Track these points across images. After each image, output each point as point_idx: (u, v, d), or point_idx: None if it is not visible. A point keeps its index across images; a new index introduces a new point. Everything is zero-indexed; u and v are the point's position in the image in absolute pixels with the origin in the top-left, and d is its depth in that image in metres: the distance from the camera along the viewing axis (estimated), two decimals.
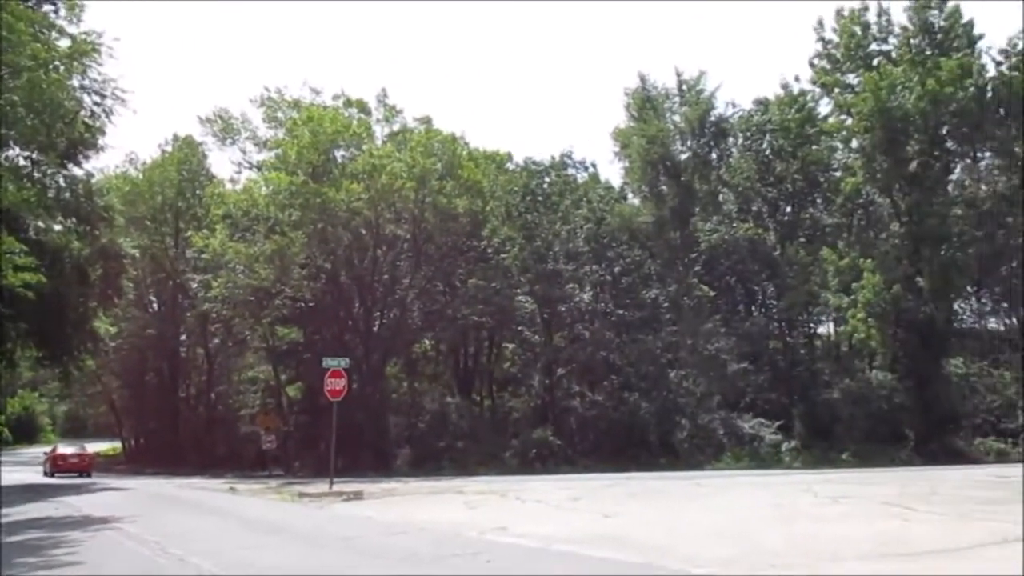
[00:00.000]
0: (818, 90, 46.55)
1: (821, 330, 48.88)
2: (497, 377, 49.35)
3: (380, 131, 45.75)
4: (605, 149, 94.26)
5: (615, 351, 43.24)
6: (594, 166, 50.38)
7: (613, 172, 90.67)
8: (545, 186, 46.53)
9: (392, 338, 43.41)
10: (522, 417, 43.67)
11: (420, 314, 45.08)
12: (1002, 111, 41.86)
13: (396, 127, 46.13)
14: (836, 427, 39.77)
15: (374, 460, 39.09)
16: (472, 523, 15.74)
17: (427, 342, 49.52)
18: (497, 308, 43.06)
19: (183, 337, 57.12)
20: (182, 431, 54.02)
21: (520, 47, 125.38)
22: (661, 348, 43.20)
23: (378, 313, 43.90)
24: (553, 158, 48.16)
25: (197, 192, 52.12)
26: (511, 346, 48.26)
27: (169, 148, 54.15)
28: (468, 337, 47.85)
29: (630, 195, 49.35)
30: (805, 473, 31.22)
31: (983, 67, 41.94)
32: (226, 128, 47.80)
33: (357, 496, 23.12)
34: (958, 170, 45.30)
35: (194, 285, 47.76)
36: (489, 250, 44.53)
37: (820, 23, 45.23)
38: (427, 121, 46.15)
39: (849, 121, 44.40)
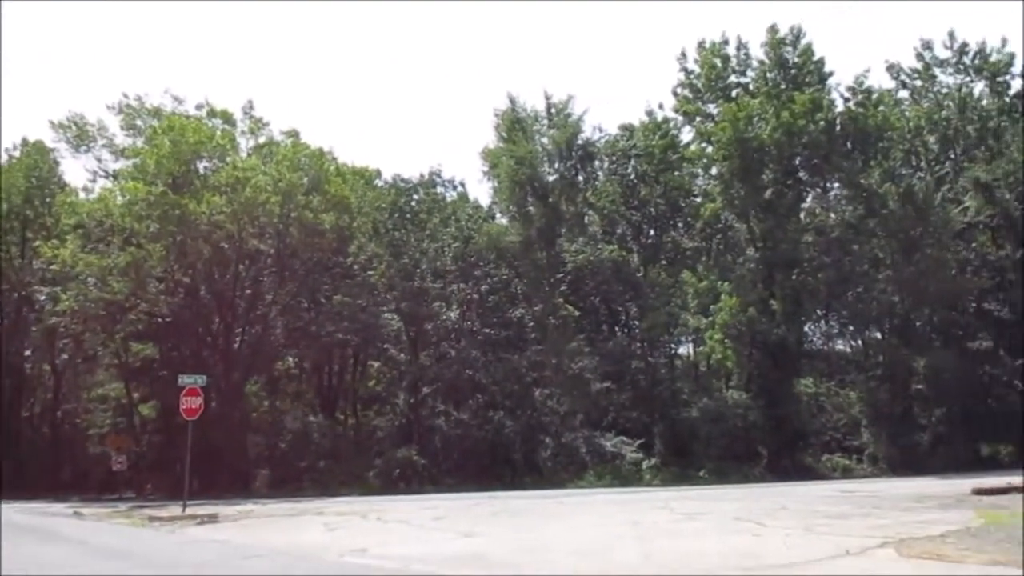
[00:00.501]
0: (681, 118, 48.17)
1: (681, 350, 50.38)
2: (361, 395, 48.71)
3: (245, 143, 44.67)
4: (474, 168, 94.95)
5: (481, 370, 43.32)
6: (463, 185, 50.61)
7: (482, 191, 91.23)
8: (413, 203, 46.43)
9: (253, 355, 42.28)
10: (386, 436, 43.20)
11: (283, 331, 44.10)
12: (849, 144, 44.30)
13: (262, 140, 45.09)
14: (694, 445, 40.89)
15: (232, 481, 37.89)
16: (331, 545, 15.39)
17: (290, 360, 48.48)
18: (363, 325, 42.57)
19: (28, 352, 53.93)
20: (25, 452, 50.93)
21: (391, 64, 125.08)
22: (526, 367, 43.57)
23: (239, 330, 42.66)
24: (422, 176, 48.19)
25: (47, 200, 49.47)
26: (376, 364, 47.76)
27: (17, 153, 51.32)
28: (332, 355, 47.09)
29: (498, 215, 49.70)
30: (664, 490, 31.98)
31: (832, 102, 44.34)
32: (81, 135, 45.55)
33: (212, 519, 22.32)
34: (809, 199, 47.63)
35: (41, 298, 45.36)
36: (355, 267, 44.05)
37: (683, 54, 46.90)
38: (294, 135, 45.34)
39: (709, 149, 46.12)
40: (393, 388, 46.10)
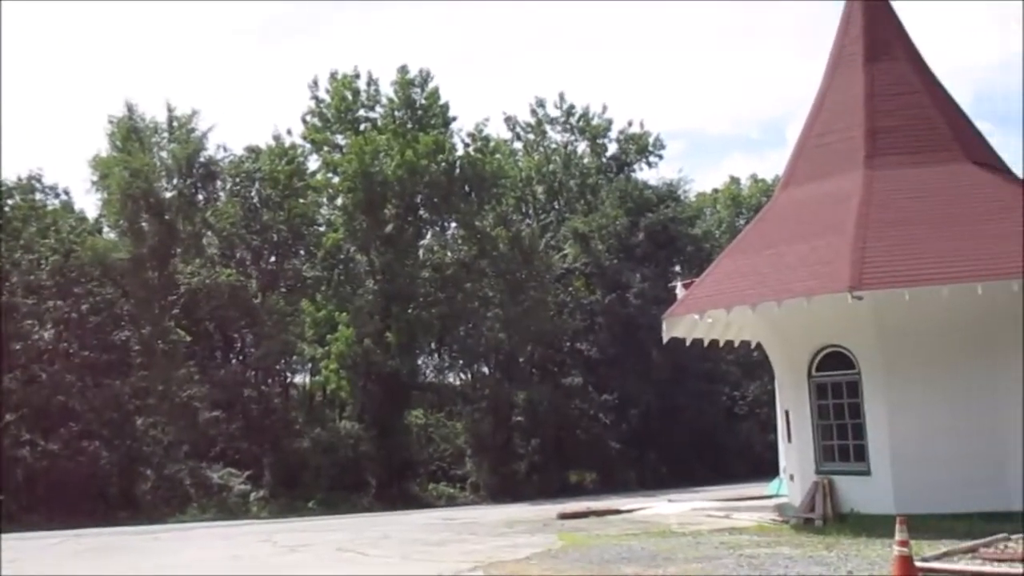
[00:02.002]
0: (308, 146, 48.12)
1: (297, 379, 49.84)
2: None
3: None
4: (81, 177, 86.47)
5: (76, 396, 39.77)
6: (67, 193, 46.26)
7: (89, 202, 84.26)
8: (7, 210, 41.75)
9: None
10: None
11: None
12: (467, 187, 46.81)
13: None
14: (304, 475, 40.62)
15: None
16: None
17: None
18: None
19: None
20: None
21: None
22: (129, 394, 40.68)
23: None
24: (19, 179, 43.45)
25: None
26: None
27: None
28: None
29: (106, 229, 46.17)
30: (271, 522, 31.43)
31: (454, 146, 46.72)
32: None
33: None
34: (428, 236, 49.63)
35: None
36: None
37: (315, 82, 47.19)
38: None
39: (335, 179, 46.53)
40: None
